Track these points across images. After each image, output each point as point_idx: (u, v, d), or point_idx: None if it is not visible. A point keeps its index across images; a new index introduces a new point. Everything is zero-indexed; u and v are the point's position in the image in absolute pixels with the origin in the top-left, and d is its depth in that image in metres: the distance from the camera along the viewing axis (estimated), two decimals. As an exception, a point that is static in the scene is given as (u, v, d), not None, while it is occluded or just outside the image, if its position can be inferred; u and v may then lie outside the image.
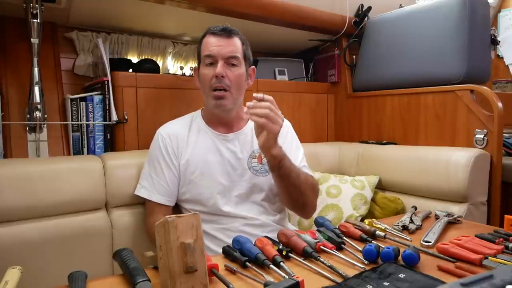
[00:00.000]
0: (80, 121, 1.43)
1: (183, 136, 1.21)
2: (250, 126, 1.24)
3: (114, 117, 1.42)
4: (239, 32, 1.21)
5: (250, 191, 1.19)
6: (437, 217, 1.13)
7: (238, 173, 1.19)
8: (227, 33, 1.17)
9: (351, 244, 0.87)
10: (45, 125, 1.38)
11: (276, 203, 1.23)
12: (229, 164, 1.19)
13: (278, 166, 1.04)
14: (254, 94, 1.00)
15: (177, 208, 1.24)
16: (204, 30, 1.21)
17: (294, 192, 1.10)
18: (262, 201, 1.20)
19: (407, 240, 0.92)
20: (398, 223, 1.05)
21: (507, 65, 2.73)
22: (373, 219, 1.05)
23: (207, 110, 1.25)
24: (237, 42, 1.18)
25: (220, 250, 0.88)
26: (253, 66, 1.27)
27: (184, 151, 1.20)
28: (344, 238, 0.90)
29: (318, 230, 0.92)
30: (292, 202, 1.15)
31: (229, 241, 0.91)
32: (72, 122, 1.43)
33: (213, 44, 1.15)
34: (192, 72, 1.25)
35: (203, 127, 1.23)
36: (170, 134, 1.21)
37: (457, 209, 1.33)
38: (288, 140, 1.26)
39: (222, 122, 1.23)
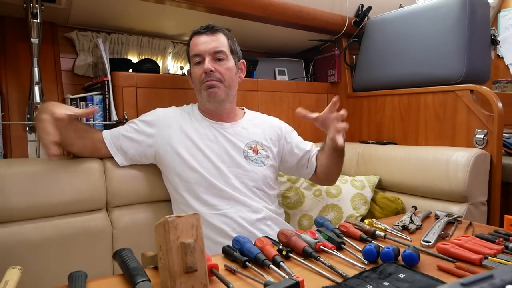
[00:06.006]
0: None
1: (179, 121, 1.24)
2: (246, 119, 1.30)
3: (114, 117, 1.42)
4: (224, 29, 1.24)
5: (245, 177, 1.20)
6: (437, 217, 1.13)
7: (234, 160, 1.21)
8: (210, 30, 1.21)
9: (351, 244, 0.87)
10: (45, 125, 1.38)
11: (270, 194, 1.26)
12: (225, 151, 1.21)
13: (343, 151, 1.25)
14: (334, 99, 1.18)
15: (169, 205, 1.24)
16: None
17: (341, 165, 1.31)
18: (255, 188, 1.21)
19: (407, 240, 0.93)
20: (398, 223, 1.05)
21: (507, 65, 2.73)
22: (373, 219, 1.05)
23: (201, 105, 1.28)
24: (221, 37, 1.21)
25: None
26: (243, 60, 1.30)
27: (178, 134, 1.21)
28: (344, 238, 0.90)
29: (318, 230, 0.92)
30: (337, 174, 1.34)
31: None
32: (72, 122, 1.42)
33: (198, 42, 1.20)
34: (186, 74, 1.32)
35: (199, 117, 1.26)
36: (168, 115, 1.25)
37: (457, 209, 1.33)
38: (294, 136, 1.39)
39: (217, 115, 1.26)
